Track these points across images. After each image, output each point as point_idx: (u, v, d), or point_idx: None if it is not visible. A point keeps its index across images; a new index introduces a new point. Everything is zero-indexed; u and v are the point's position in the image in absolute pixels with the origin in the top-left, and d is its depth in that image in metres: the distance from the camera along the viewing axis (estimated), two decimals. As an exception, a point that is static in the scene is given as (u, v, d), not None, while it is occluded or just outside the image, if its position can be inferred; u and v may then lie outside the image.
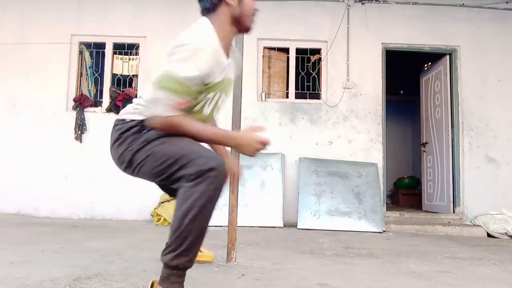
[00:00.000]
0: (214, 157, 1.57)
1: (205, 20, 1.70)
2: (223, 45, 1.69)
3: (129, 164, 1.78)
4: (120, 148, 1.77)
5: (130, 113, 1.79)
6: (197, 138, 1.67)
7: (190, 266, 1.59)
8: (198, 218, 1.53)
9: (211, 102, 1.76)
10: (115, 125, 1.83)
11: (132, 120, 1.74)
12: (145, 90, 1.77)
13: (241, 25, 1.75)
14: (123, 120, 1.79)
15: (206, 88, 1.67)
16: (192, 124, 1.64)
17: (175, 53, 1.59)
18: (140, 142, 1.69)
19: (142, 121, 1.70)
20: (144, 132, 1.69)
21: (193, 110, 1.71)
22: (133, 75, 5.82)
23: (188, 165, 1.56)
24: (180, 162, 1.58)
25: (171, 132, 1.64)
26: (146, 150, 1.67)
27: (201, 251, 2.09)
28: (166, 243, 1.59)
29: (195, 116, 1.73)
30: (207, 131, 1.67)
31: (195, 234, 1.54)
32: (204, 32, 1.65)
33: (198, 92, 1.66)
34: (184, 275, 1.61)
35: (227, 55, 1.75)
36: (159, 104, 1.60)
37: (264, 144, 1.66)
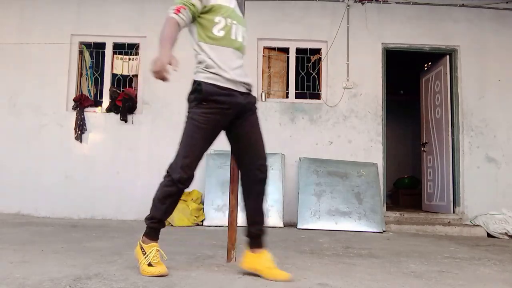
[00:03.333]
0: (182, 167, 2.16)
1: None
2: None
3: None
4: None
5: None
6: (160, 32, 2.15)
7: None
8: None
9: (230, 29, 2.19)
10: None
11: None
12: None
13: None
14: None
15: (212, 10, 2.16)
16: (170, 23, 2.17)
17: None
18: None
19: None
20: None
21: (226, 38, 2.18)
22: (133, 75, 5.82)
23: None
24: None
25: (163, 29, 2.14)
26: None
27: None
28: None
29: (232, 43, 2.20)
30: (165, 30, 2.15)
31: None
32: None
33: (207, 14, 2.16)
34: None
35: None
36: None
37: (163, 69, 1.98)
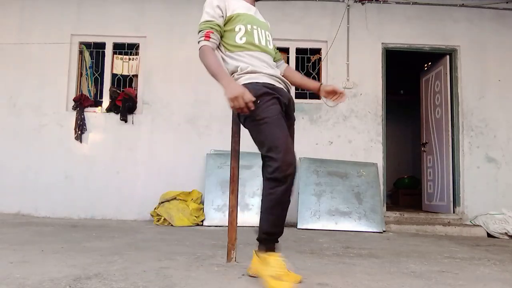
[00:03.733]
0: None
1: None
2: None
3: None
4: None
5: None
6: (203, 63, 2.12)
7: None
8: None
9: (253, 34, 2.21)
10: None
11: None
12: None
13: None
14: None
15: (232, 19, 2.19)
16: (207, 52, 2.12)
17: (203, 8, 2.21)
18: None
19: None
20: None
21: (251, 43, 2.19)
22: (133, 75, 5.82)
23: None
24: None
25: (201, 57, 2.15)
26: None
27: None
28: None
29: (257, 47, 2.21)
30: (208, 60, 2.10)
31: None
32: None
33: (227, 24, 2.19)
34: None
35: (248, 3, 2.30)
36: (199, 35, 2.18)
37: (246, 105, 1.95)
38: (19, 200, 5.38)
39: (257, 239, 2.13)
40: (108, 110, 5.60)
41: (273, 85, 2.15)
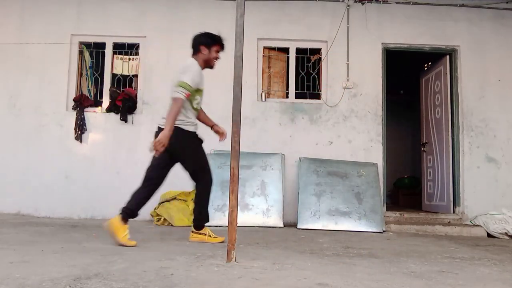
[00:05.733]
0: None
1: (192, 59, 3.40)
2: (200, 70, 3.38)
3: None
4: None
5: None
6: (172, 108, 3.21)
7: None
8: None
9: (199, 103, 3.44)
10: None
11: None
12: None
13: (207, 64, 3.45)
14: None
15: (197, 91, 3.33)
16: (179, 105, 3.19)
17: (183, 71, 3.28)
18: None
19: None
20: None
21: (194, 107, 3.38)
22: (133, 75, 5.82)
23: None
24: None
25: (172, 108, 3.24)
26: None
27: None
28: None
29: (194, 109, 3.40)
30: (176, 110, 3.19)
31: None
32: (193, 63, 3.36)
33: (195, 92, 3.30)
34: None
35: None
36: (176, 93, 3.20)
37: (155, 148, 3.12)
38: (19, 200, 5.38)
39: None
40: (108, 110, 5.60)
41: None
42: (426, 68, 6.61)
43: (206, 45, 3.38)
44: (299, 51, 5.86)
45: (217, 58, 3.43)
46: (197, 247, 3.23)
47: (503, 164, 5.61)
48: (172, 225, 4.79)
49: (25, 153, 5.49)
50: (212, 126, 3.65)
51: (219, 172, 5.11)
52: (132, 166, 5.47)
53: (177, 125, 3.22)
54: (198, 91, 3.34)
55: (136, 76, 5.80)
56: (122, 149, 5.52)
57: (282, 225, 4.96)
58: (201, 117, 3.61)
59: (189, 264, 2.49)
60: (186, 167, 3.42)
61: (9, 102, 5.60)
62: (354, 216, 4.94)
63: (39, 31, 5.69)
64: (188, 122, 3.34)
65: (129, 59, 5.82)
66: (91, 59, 5.88)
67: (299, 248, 3.35)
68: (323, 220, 4.92)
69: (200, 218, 3.49)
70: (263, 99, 5.69)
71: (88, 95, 5.76)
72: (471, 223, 5.24)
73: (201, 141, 3.43)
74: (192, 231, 3.53)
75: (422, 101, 6.58)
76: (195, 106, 3.37)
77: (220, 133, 3.60)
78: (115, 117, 5.55)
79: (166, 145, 3.04)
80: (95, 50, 5.87)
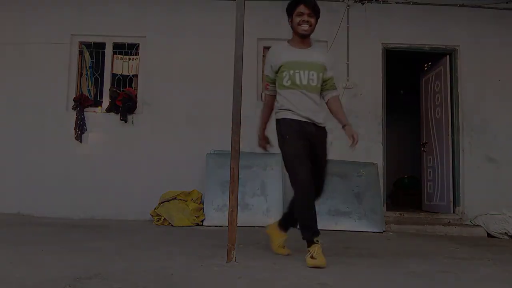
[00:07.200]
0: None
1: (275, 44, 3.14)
2: (293, 44, 2.97)
3: None
4: None
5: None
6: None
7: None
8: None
9: (294, 76, 2.87)
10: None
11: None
12: None
13: (297, 34, 2.95)
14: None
15: (278, 70, 2.92)
16: (264, 101, 3.23)
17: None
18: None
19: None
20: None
21: (295, 83, 2.88)
22: (133, 75, 5.82)
23: None
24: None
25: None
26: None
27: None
28: None
29: (297, 86, 2.89)
30: (263, 110, 3.15)
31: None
32: (270, 49, 3.08)
33: (276, 74, 2.94)
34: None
35: (300, 48, 2.95)
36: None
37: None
38: (19, 200, 5.38)
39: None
40: (108, 110, 5.60)
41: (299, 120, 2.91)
42: (426, 68, 6.61)
43: (288, 15, 2.99)
44: (299, 51, 5.85)
45: (302, 21, 2.86)
46: (197, 247, 3.23)
47: (503, 164, 5.60)
48: (172, 225, 4.79)
49: (25, 153, 5.48)
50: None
51: (219, 172, 5.11)
52: (132, 166, 5.48)
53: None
54: (279, 69, 2.91)
55: (136, 76, 5.80)
56: (122, 149, 5.51)
57: (282, 225, 4.94)
58: (328, 103, 3.25)
59: (189, 264, 2.49)
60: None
61: (9, 102, 5.59)
62: (354, 216, 4.94)
63: (39, 31, 5.68)
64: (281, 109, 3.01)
65: (129, 59, 5.82)
66: (91, 59, 5.88)
67: (299, 248, 3.35)
68: (323, 220, 4.87)
69: (291, 219, 3.37)
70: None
71: (88, 95, 5.75)
72: (471, 223, 5.24)
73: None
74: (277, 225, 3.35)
75: (422, 101, 6.58)
76: (285, 83, 2.90)
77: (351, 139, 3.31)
78: (115, 117, 5.54)
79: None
80: (95, 50, 5.87)
